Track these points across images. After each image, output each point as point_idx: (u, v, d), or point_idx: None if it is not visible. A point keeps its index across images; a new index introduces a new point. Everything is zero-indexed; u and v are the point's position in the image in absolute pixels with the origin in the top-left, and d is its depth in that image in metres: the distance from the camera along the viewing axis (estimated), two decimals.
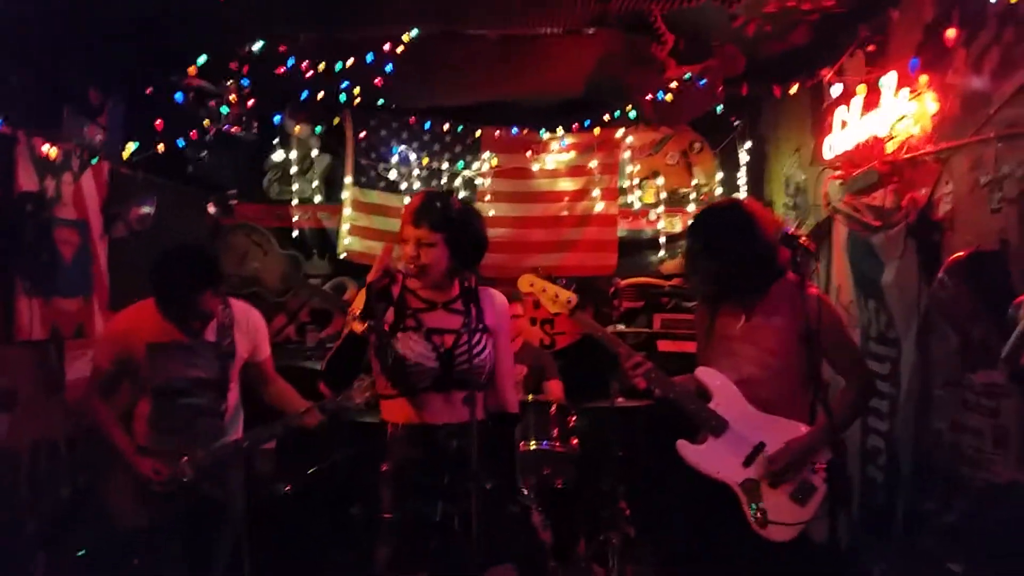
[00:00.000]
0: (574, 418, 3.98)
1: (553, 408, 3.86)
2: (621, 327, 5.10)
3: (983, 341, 2.66)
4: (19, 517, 3.30)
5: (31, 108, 3.34)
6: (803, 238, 2.53)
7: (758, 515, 2.69)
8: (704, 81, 4.35)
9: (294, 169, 5.41)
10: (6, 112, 3.14)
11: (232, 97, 4.16)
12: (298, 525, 3.99)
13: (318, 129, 5.27)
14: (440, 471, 2.37)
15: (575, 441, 3.91)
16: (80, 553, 3.39)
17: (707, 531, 2.85)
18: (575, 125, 5.10)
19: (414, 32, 3.75)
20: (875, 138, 3.44)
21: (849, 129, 3.62)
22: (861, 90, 3.46)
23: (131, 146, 3.66)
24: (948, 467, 2.98)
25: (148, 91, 3.95)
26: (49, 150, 3.35)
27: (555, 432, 3.81)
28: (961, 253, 2.78)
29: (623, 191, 5.46)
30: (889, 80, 3.27)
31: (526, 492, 3.69)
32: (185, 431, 2.98)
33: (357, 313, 2.30)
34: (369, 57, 3.81)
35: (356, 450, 4.16)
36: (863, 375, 2.89)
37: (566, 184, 5.38)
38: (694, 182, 5.45)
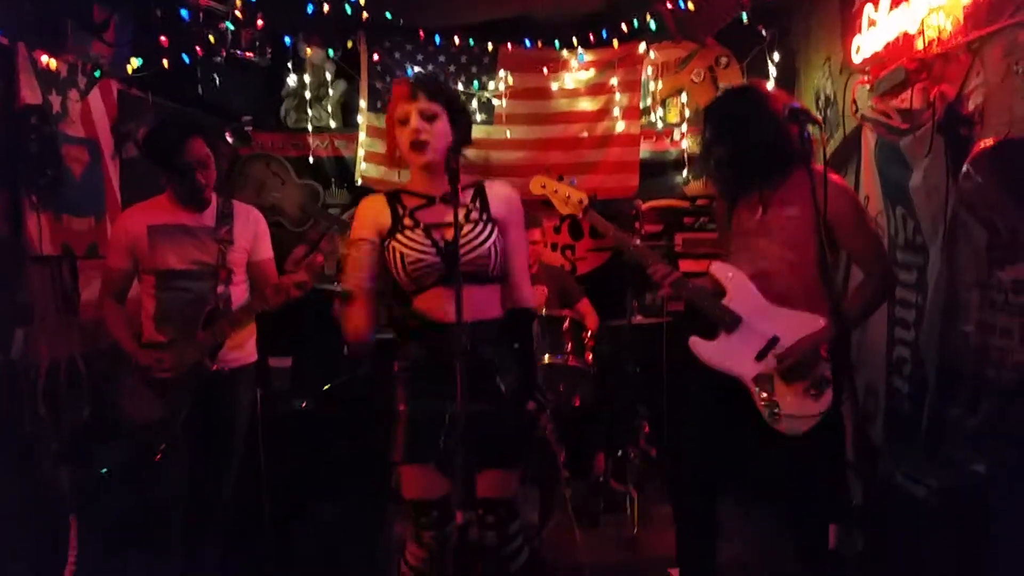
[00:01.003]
0: (589, 334, 3.91)
1: (567, 323, 3.78)
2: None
3: (1012, 233, 2.52)
4: (39, 434, 3.34)
5: (33, 22, 3.30)
6: (810, 111, 2.40)
7: (772, 410, 2.63)
8: None
9: (309, 95, 5.32)
10: (5, 24, 3.10)
11: (239, 13, 4.07)
12: (313, 442, 4.01)
13: (331, 53, 5.17)
14: (449, 369, 2.24)
15: (590, 357, 3.84)
16: (103, 471, 3.46)
17: (721, 429, 2.79)
18: (591, 38, 4.91)
19: None
20: (905, 35, 3.26)
21: (878, 28, 3.43)
22: None
23: (135, 62, 3.61)
24: (975, 370, 2.86)
25: (156, 11, 3.90)
26: (50, 62, 3.31)
27: (569, 346, 3.74)
28: (988, 141, 2.62)
29: (645, 110, 5.29)
30: None
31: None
32: (185, 318, 2.99)
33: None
34: None
35: (373, 366, 4.15)
36: (882, 269, 2.77)
37: (586, 104, 5.22)
38: None
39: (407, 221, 2.36)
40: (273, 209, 5.36)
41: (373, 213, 2.39)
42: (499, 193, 2.47)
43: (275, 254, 3.16)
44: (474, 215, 2.39)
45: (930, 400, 3.23)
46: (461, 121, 2.39)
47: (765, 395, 2.65)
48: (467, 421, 2.04)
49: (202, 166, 2.99)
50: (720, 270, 2.79)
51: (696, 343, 2.77)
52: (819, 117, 2.79)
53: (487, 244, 2.37)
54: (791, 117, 2.31)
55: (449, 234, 2.31)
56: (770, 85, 5.10)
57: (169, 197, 3.06)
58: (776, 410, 2.63)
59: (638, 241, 2.84)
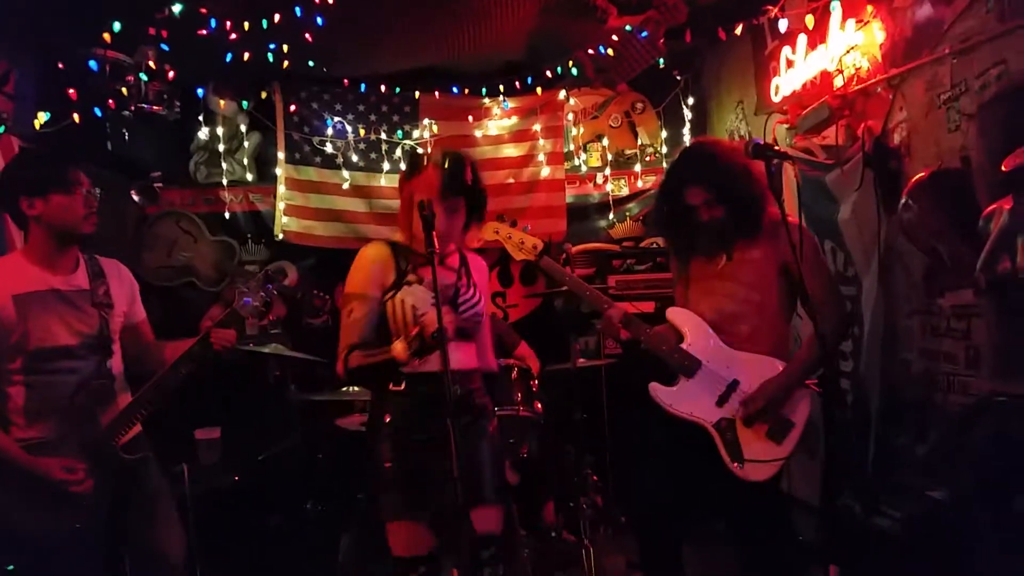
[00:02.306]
0: (537, 383, 3.84)
1: (515, 372, 3.70)
2: None
3: (953, 259, 2.60)
4: None
5: None
6: (772, 145, 2.44)
7: (735, 455, 2.60)
8: (645, 33, 4.26)
9: (222, 148, 5.13)
10: None
11: (151, 64, 3.89)
12: (248, 516, 3.76)
13: (245, 104, 5.02)
14: (439, 416, 2.27)
15: (539, 406, 3.76)
16: (9, 568, 3.10)
17: (682, 475, 2.74)
18: (517, 84, 4.95)
19: None
20: (823, 73, 3.40)
21: (796, 68, 3.56)
22: (810, 21, 3.39)
23: (42, 116, 3.38)
24: (919, 397, 2.93)
25: (60, 65, 3.69)
26: None
27: (518, 396, 3.65)
28: (923, 174, 2.72)
29: (568, 156, 5.35)
30: (835, 11, 3.21)
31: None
32: (73, 408, 2.45)
33: (407, 344, 2.29)
34: (298, 11, 3.59)
35: (307, 429, 3.96)
36: (841, 303, 2.82)
37: (510, 150, 5.24)
38: (639, 143, 5.38)
39: (411, 277, 2.45)
40: (185, 269, 5.11)
41: (379, 268, 2.47)
42: (478, 263, 2.68)
43: (188, 314, 2.90)
44: (464, 279, 2.57)
45: (875, 430, 3.28)
46: (478, 206, 2.55)
47: (727, 440, 2.62)
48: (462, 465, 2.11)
49: (91, 194, 2.52)
50: (677, 315, 2.78)
51: (656, 389, 2.73)
52: (784, 148, 2.83)
53: (479, 306, 2.56)
54: (756, 152, 2.33)
55: (449, 293, 2.49)
56: (686, 128, 5.25)
57: (28, 254, 2.50)
58: (739, 455, 2.60)
59: (591, 294, 2.80)
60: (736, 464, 2.61)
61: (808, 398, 2.66)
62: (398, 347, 2.30)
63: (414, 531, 2.35)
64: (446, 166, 2.46)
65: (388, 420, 2.43)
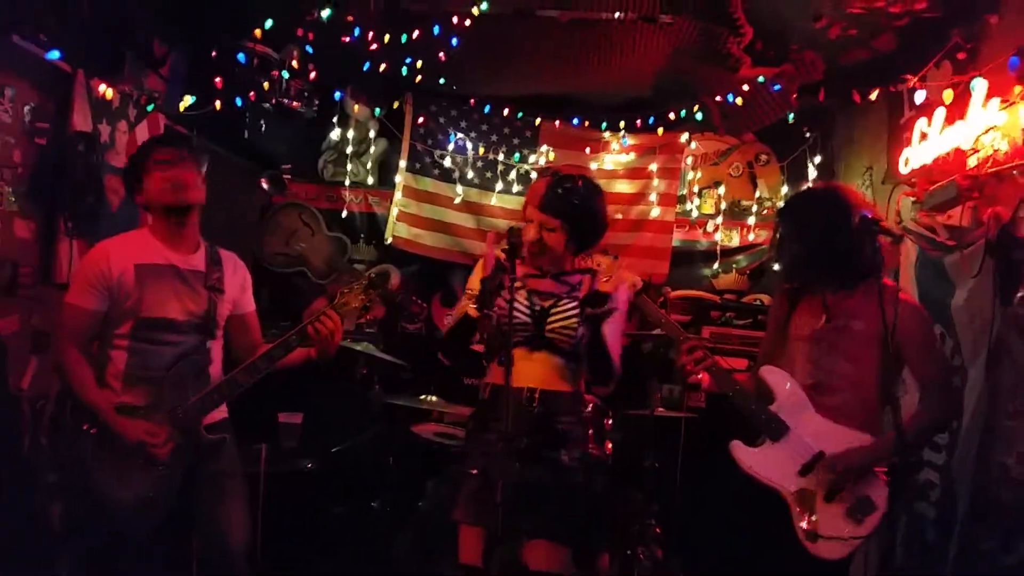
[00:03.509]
0: (610, 421, 3.79)
1: (590, 407, 3.67)
2: None
3: None
4: (37, 464, 3.23)
5: (93, 50, 3.32)
6: (884, 221, 2.36)
7: (811, 530, 2.50)
8: (778, 87, 4.19)
9: (350, 150, 5.36)
10: (69, 49, 3.12)
11: (294, 63, 4.11)
12: (315, 503, 3.88)
13: (377, 111, 5.23)
14: (517, 433, 2.39)
15: (609, 446, 3.72)
16: None
17: (752, 542, 2.66)
18: (638, 122, 4.95)
19: (484, 5, 3.65)
20: (957, 151, 3.24)
21: (929, 141, 3.41)
22: (948, 96, 3.25)
23: (188, 99, 3.63)
24: (1012, 504, 2.74)
25: (213, 54, 3.95)
26: (106, 91, 3.32)
27: (589, 433, 3.62)
28: None
29: (681, 199, 5.30)
30: (980, 87, 3.07)
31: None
32: (168, 379, 2.58)
33: (474, 295, 2.45)
34: (436, 29, 3.72)
35: (383, 430, 4.06)
36: (946, 399, 2.68)
37: (623, 186, 5.24)
38: (757, 195, 5.27)
39: (517, 283, 2.48)
40: (300, 259, 5.35)
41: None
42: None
43: (296, 304, 3.04)
44: (576, 294, 2.61)
45: (960, 529, 3.08)
46: (583, 229, 2.61)
47: (805, 513, 2.53)
48: (520, 489, 2.20)
49: (179, 166, 2.61)
50: (771, 374, 2.70)
51: (737, 448, 2.66)
52: (896, 229, 2.74)
53: (575, 319, 2.57)
54: (862, 226, 2.27)
55: (547, 303, 2.59)
56: (808, 187, 5.11)
57: (154, 231, 2.68)
58: (815, 530, 2.50)
59: (684, 340, 2.74)
60: (810, 539, 2.51)
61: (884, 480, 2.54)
62: (464, 302, 2.48)
63: (477, 537, 2.43)
64: (554, 180, 2.59)
65: (472, 427, 2.60)
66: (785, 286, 2.90)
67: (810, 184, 5.09)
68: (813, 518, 2.51)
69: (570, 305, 2.59)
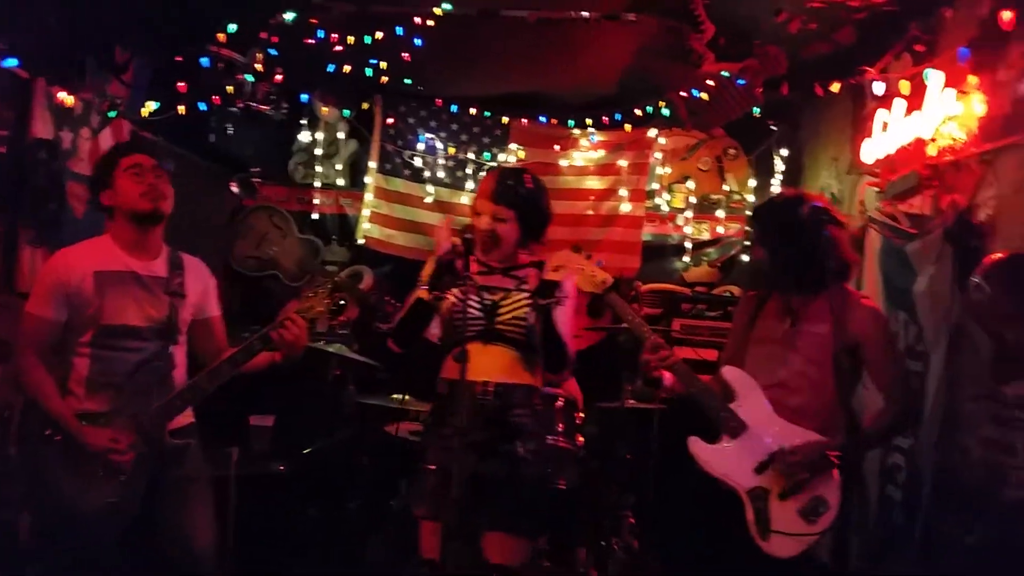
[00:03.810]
0: (581, 415, 3.82)
1: (560, 401, 3.70)
2: None
3: (1020, 347, 2.48)
4: (5, 475, 3.19)
5: (53, 56, 3.29)
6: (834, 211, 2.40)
7: (762, 526, 2.54)
8: (743, 81, 4.22)
9: (320, 152, 5.35)
10: (28, 56, 3.10)
11: (259, 67, 4.10)
12: (287, 505, 3.88)
13: (346, 112, 5.22)
14: (473, 427, 2.42)
15: (581, 439, 3.75)
16: None
17: (709, 538, 2.70)
18: (605, 119, 4.98)
19: (446, 6, 3.66)
20: (917, 140, 3.29)
21: (890, 132, 3.46)
22: (905, 87, 3.30)
23: (151, 104, 3.61)
24: (974, 485, 2.79)
25: (178, 59, 3.93)
26: (66, 99, 3.30)
27: (560, 427, 3.65)
28: (1000, 254, 2.60)
29: (651, 194, 5.33)
30: (935, 77, 3.12)
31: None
32: (130, 385, 2.57)
33: (425, 280, 2.53)
34: (399, 30, 3.73)
35: (355, 430, 4.05)
36: (904, 401, 2.71)
37: (593, 182, 5.27)
38: (725, 188, 5.31)
39: (469, 282, 2.55)
40: (271, 262, 5.33)
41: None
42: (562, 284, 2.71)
43: (268, 308, 3.02)
44: (525, 287, 2.65)
45: (926, 511, 3.14)
46: (533, 220, 2.66)
47: (757, 510, 2.56)
48: (476, 482, 2.27)
49: (153, 173, 2.64)
50: (732, 374, 2.73)
51: (695, 444, 2.68)
52: (841, 215, 2.79)
53: (525, 309, 2.60)
54: (812, 215, 2.31)
55: (497, 296, 2.63)
56: (776, 179, 5.16)
57: (115, 238, 2.67)
58: (767, 527, 2.53)
59: (651, 338, 2.76)
60: (760, 536, 2.55)
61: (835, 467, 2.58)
62: (423, 293, 2.52)
63: (439, 535, 2.42)
64: (503, 174, 2.69)
65: (434, 423, 2.60)
66: (751, 293, 2.94)
67: (778, 180, 5.15)
68: (766, 516, 2.54)
69: (519, 297, 2.63)
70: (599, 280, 2.79)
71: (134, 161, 2.64)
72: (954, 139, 3.13)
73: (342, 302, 2.90)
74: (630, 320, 2.79)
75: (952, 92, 3.09)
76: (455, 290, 2.53)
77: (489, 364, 2.56)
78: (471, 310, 2.54)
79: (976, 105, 3.01)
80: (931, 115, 3.16)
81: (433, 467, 2.50)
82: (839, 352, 2.62)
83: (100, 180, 2.68)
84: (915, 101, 3.30)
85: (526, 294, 2.63)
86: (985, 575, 2.62)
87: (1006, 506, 2.59)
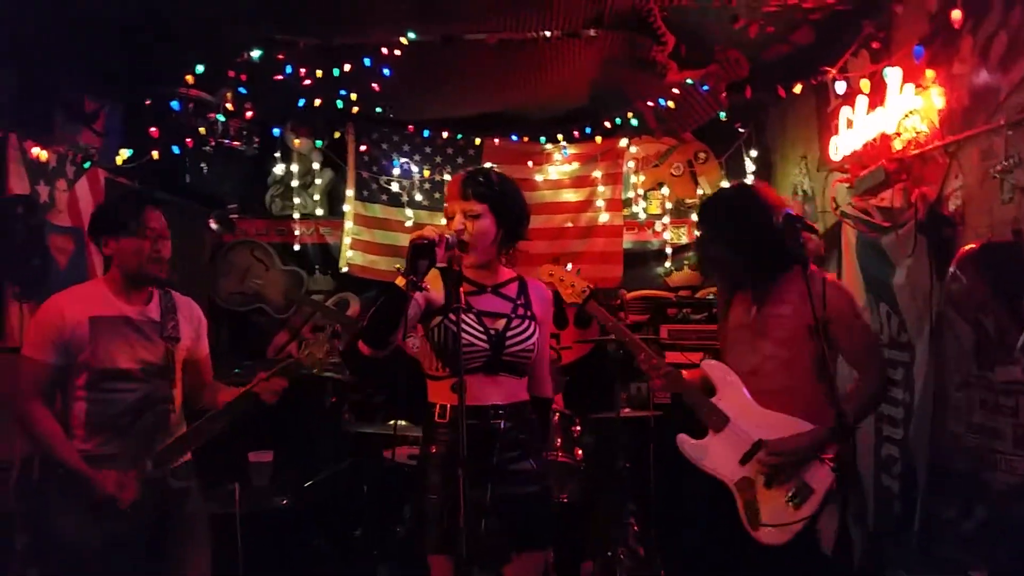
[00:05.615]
0: (579, 429, 3.86)
1: (556, 416, 3.73)
2: None
3: (999, 334, 2.54)
4: (8, 531, 3.18)
5: (23, 111, 3.31)
6: (807, 219, 2.45)
7: (753, 517, 2.57)
8: (707, 87, 4.29)
9: (296, 183, 5.37)
10: None
11: (229, 106, 4.12)
12: (293, 539, 3.88)
13: (319, 143, 5.25)
14: (488, 451, 2.36)
15: (580, 452, 3.78)
16: None
17: (711, 536, 2.74)
18: (576, 133, 5.05)
19: (411, 35, 3.70)
20: (882, 136, 3.36)
21: (855, 128, 3.54)
22: (865, 86, 3.38)
23: (124, 152, 3.63)
24: (967, 472, 2.84)
25: (147, 103, 3.94)
26: (40, 153, 3.31)
27: (558, 442, 3.68)
28: (973, 245, 2.67)
29: (628, 202, 5.40)
30: (894, 75, 3.20)
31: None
32: (130, 426, 2.61)
33: (401, 269, 2.29)
34: (367, 61, 3.76)
35: (355, 459, 4.06)
36: (878, 368, 2.75)
37: (569, 195, 5.33)
38: (699, 192, 5.39)
39: (461, 303, 2.35)
40: (256, 296, 5.33)
41: (433, 282, 2.35)
42: (541, 294, 2.61)
43: (258, 340, 3.03)
44: (521, 311, 2.51)
45: (922, 500, 3.19)
46: (509, 214, 2.47)
47: (746, 501, 2.60)
48: (496, 508, 2.20)
49: (162, 238, 2.68)
50: (711, 368, 2.78)
51: (683, 441, 2.73)
52: (815, 224, 2.83)
53: (531, 340, 2.49)
54: (787, 223, 2.35)
55: (499, 324, 2.47)
56: (748, 180, 5.23)
57: (109, 283, 2.69)
58: (756, 518, 2.57)
59: (635, 344, 2.81)
60: (751, 526, 2.59)
61: (830, 467, 2.62)
62: (399, 280, 2.20)
63: (450, 569, 2.31)
64: (467, 173, 2.50)
65: (434, 452, 2.43)
66: (716, 281, 3.01)
67: (750, 180, 5.21)
68: (755, 506, 2.58)
69: (524, 325, 2.49)
70: (579, 290, 2.83)
71: (152, 223, 2.67)
72: (917, 132, 3.20)
73: (336, 337, 2.92)
74: (612, 326, 2.84)
75: (911, 87, 3.17)
76: (452, 316, 2.31)
77: (495, 389, 2.46)
78: (477, 343, 2.40)
79: (936, 98, 3.09)
80: (893, 110, 3.24)
81: (435, 496, 2.39)
82: (808, 330, 2.60)
83: (106, 228, 2.68)
84: (877, 97, 3.38)
85: (527, 321, 2.50)
86: (985, 559, 2.67)
87: (998, 491, 2.64)
